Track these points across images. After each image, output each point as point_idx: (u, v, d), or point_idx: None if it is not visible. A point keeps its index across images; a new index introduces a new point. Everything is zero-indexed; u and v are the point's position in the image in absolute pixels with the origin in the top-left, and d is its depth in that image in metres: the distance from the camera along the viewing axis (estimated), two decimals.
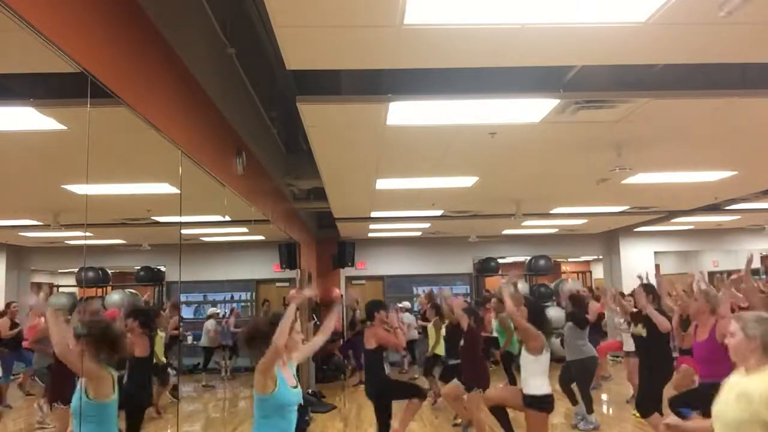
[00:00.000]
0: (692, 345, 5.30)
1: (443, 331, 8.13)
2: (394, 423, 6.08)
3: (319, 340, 4.05)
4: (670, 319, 5.82)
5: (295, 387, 3.27)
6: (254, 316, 12.44)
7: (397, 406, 6.14)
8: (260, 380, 3.11)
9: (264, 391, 3.11)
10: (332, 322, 4.24)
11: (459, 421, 7.46)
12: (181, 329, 10.71)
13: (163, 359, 7.83)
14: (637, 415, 6.49)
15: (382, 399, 5.88)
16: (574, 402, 7.29)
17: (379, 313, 5.87)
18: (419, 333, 11.31)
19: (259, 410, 3.16)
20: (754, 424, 2.35)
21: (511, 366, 8.79)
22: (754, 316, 2.61)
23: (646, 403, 5.77)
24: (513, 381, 8.70)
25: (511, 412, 6.00)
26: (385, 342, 5.92)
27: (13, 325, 7.92)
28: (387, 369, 6.01)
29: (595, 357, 7.43)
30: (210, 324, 11.34)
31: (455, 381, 6.92)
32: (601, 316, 9.61)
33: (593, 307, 9.73)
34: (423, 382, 8.52)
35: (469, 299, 11.65)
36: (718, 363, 4.48)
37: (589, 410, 7.19)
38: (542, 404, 4.96)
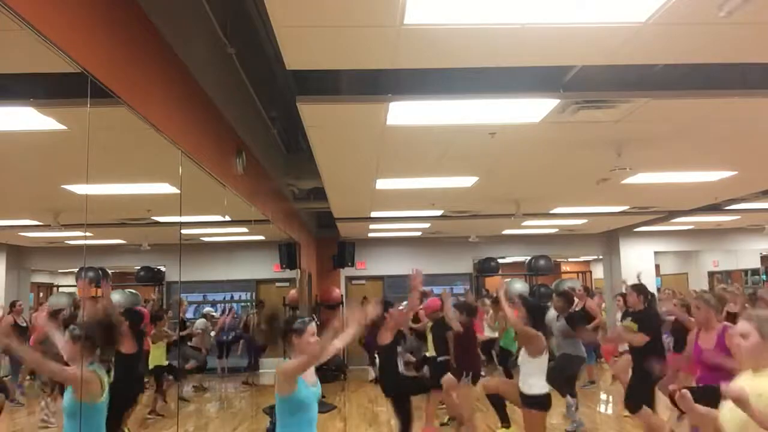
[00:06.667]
0: (694, 349, 5.22)
1: (429, 329, 8.13)
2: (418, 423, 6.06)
3: (338, 343, 3.75)
4: (660, 322, 5.84)
5: (315, 385, 3.38)
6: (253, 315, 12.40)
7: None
8: (283, 383, 3.23)
9: (285, 393, 3.23)
10: (350, 335, 3.81)
11: (447, 420, 7.50)
12: (188, 329, 10.73)
13: (165, 361, 7.84)
14: (627, 415, 6.48)
15: (399, 396, 5.89)
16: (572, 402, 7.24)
17: (388, 312, 5.91)
18: (412, 334, 10.39)
19: (282, 409, 3.28)
20: None
21: (507, 362, 8.76)
22: (767, 316, 2.53)
23: (635, 398, 5.75)
24: (510, 376, 8.70)
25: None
26: (400, 319, 5.97)
27: (16, 325, 7.90)
28: (400, 365, 6.01)
29: (582, 357, 7.38)
30: (200, 324, 11.06)
31: (449, 375, 6.91)
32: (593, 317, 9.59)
33: (590, 306, 9.73)
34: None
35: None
36: (723, 368, 4.43)
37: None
38: (540, 404, 4.99)
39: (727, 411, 2.48)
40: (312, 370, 3.42)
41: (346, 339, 3.61)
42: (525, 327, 4.99)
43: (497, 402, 6.00)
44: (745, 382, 2.46)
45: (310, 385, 3.31)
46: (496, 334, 9.95)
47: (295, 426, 3.26)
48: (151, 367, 7.49)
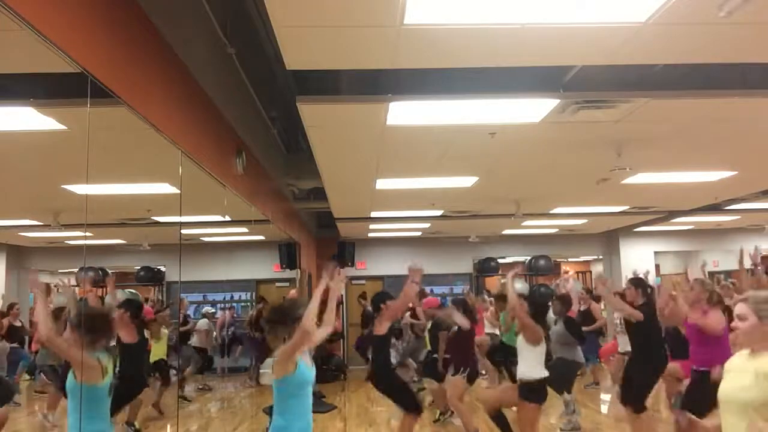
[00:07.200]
0: (686, 328, 5.33)
1: (428, 325, 8.14)
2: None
3: (324, 330, 4.00)
4: (653, 312, 5.82)
5: (312, 368, 3.45)
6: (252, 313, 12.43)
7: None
8: (282, 365, 3.27)
9: (284, 374, 3.27)
10: (333, 305, 4.19)
11: (443, 416, 7.54)
12: (191, 327, 10.75)
13: (165, 357, 7.85)
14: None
15: (391, 387, 5.84)
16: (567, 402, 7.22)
17: (385, 304, 5.85)
18: (410, 334, 10.17)
19: (280, 393, 3.32)
20: None
21: (506, 359, 8.71)
22: (764, 297, 2.50)
23: (636, 398, 5.68)
24: (509, 372, 8.68)
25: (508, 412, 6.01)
26: (396, 309, 5.87)
27: (13, 327, 7.88)
28: (393, 358, 5.92)
29: (579, 363, 7.28)
30: (202, 324, 11.05)
31: (454, 378, 6.86)
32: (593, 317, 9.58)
33: (594, 308, 9.72)
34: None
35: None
36: (709, 343, 4.78)
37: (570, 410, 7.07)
38: (536, 392, 5.06)
39: (736, 390, 2.45)
40: (307, 354, 3.50)
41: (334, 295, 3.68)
42: (528, 318, 5.23)
43: (501, 421, 5.90)
44: (745, 363, 2.47)
45: (308, 366, 3.40)
46: (497, 331, 9.90)
47: (293, 409, 3.31)
48: (153, 360, 7.52)
